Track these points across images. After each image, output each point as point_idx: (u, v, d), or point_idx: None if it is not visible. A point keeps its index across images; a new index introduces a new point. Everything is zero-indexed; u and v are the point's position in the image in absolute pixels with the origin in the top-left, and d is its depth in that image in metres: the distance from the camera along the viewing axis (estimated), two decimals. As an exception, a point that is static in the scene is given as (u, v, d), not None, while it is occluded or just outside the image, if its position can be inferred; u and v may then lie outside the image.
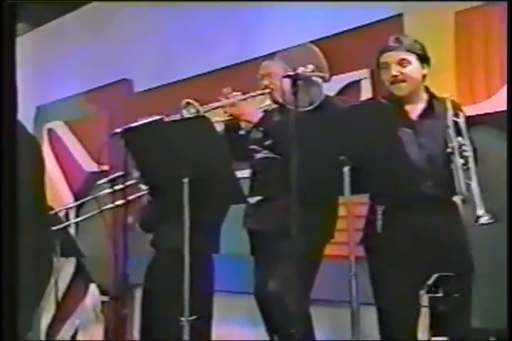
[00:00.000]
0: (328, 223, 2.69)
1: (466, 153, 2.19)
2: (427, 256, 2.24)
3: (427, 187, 2.28)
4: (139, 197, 3.21)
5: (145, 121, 2.60)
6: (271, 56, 2.90)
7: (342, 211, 2.90)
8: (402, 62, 2.35)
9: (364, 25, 3.58)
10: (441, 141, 2.28)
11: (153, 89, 4.98)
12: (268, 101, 2.74)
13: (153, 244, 3.24)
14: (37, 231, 1.38)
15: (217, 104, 2.57)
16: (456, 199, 2.29)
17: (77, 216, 5.06)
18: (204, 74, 4.61)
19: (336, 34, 3.64)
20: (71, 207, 5.15)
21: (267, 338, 2.70)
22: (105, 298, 4.51)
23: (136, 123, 2.57)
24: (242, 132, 2.77)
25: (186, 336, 2.20)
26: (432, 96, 2.44)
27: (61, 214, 5.07)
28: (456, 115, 2.31)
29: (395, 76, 2.35)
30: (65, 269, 5.30)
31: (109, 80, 5.26)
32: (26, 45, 4.52)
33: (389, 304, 2.30)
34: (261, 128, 2.62)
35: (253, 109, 2.62)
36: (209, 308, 3.05)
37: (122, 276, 2.78)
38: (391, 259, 2.29)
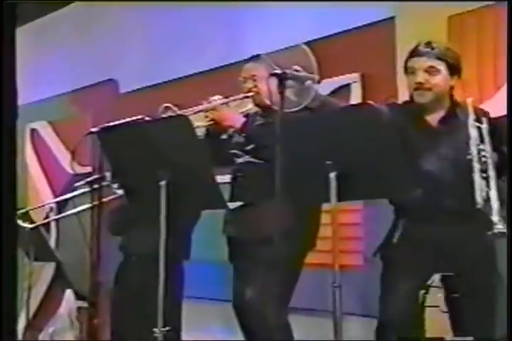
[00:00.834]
0: (310, 231, 2.61)
1: (485, 159, 2.07)
2: (444, 267, 2.17)
3: (447, 198, 2.20)
4: (113, 199, 3.13)
5: (122, 121, 2.54)
6: (254, 58, 2.78)
7: (326, 219, 2.94)
8: (430, 70, 2.25)
9: (354, 28, 3.50)
10: (464, 149, 2.15)
11: (139, 90, 4.89)
12: (250, 105, 2.67)
13: (122, 249, 3.17)
14: None
15: (198, 108, 2.49)
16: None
17: (57, 219, 4.94)
18: (191, 75, 4.54)
19: (326, 37, 3.57)
20: (52, 209, 5.04)
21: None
22: (82, 304, 4.37)
23: (112, 123, 2.50)
24: (223, 136, 2.70)
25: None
26: (454, 104, 2.33)
27: (41, 216, 4.96)
28: (478, 120, 2.18)
29: (421, 83, 2.25)
30: (44, 274, 5.17)
31: (95, 80, 5.15)
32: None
33: (394, 314, 2.24)
34: (243, 134, 2.55)
35: (235, 113, 2.56)
36: (179, 318, 2.97)
37: (95, 281, 2.67)
38: (405, 270, 2.24)
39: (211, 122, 2.55)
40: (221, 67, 4.28)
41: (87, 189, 3.12)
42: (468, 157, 2.09)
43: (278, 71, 2.04)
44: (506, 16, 2.89)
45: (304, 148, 2.00)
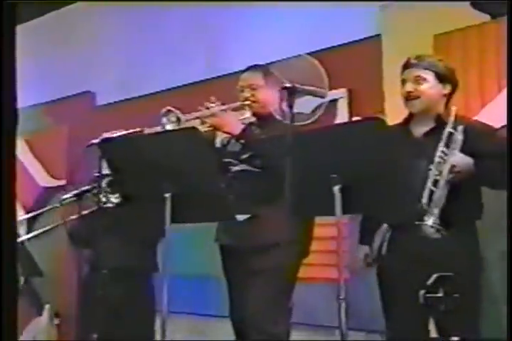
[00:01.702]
0: (308, 239, 2.60)
1: (443, 163, 2.21)
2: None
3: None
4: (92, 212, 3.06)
5: (125, 132, 2.55)
6: (252, 67, 2.78)
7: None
8: (417, 79, 2.36)
9: (341, 45, 3.53)
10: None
11: (116, 103, 4.83)
12: (248, 114, 2.66)
13: (90, 262, 3.11)
14: None
15: (198, 113, 2.49)
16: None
17: (28, 232, 4.80)
18: (169, 89, 4.52)
19: (313, 52, 3.58)
20: (21, 223, 4.90)
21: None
22: (56, 321, 4.25)
23: (116, 134, 2.52)
24: (217, 145, 2.68)
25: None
26: (445, 114, 2.39)
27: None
28: (454, 127, 2.28)
29: (409, 92, 2.36)
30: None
31: (71, 92, 5.06)
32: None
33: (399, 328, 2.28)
34: (241, 141, 2.54)
35: (235, 120, 2.55)
36: (152, 333, 2.93)
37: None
38: (396, 281, 2.29)
39: (209, 128, 2.53)
40: (202, 81, 4.28)
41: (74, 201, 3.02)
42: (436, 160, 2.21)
43: (288, 84, 2.05)
44: (494, 36, 2.97)
45: (309, 160, 2.01)
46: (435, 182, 2.22)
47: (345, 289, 1.88)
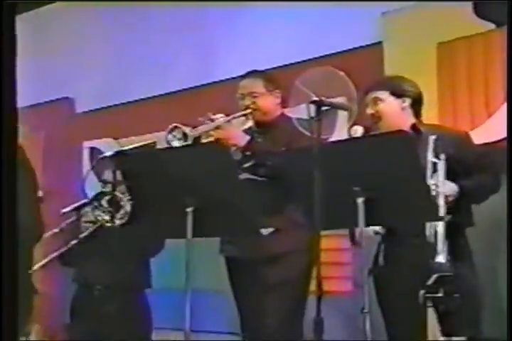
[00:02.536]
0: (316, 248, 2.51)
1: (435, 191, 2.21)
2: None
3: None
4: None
5: (139, 144, 2.54)
6: (251, 74, 2.71)
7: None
8: (375, 101, 2.45)
9: (340, 52, 3.47)
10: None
11: (97, 111, 4.66)
12: (250, 123, 2.63)
13: (79, 280, 3.08)
14: None
15: (205, 127, 2.45)
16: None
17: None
18: (150, 98, 4.41)
19: (311, 59, 3.53)
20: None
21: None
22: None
23: (131, 146, 2.50)
24: None
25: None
26: (413, 126, 2.42)
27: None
28: (436, 155, 2.28)
29: (371, 115, 2.44)
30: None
31: (48, 98, 4.84)
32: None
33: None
34: (248, 152, 2.50)
35: (240, 132, 2.53)
36: None
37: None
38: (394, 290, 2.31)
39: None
40: (184, 90, 4.21)
41: (75, 215, 2.98)
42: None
43: (316, 98, 2.05)
44: (500, 44, 2.92)
45: (332, 173, 2.00)
46: None
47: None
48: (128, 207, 2.80)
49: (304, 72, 2.51)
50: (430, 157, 2.28)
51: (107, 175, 2.86)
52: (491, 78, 3.03)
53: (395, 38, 3.31)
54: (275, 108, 2.65)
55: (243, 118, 2.62)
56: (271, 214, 2.40)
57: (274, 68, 3.39)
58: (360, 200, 1.95)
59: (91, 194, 3.31)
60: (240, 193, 2.09)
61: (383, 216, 2.00)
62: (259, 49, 3.78)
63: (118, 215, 2.80)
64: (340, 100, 2.43)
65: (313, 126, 1.99)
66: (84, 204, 2.94)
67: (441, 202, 2.19)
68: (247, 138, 2.50)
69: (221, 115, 2.50)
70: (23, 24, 5.15)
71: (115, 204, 2.77)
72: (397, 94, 2.44)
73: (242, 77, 2.71)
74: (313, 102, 2.03)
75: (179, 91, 4.25)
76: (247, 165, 2.53)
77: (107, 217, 2.86)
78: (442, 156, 2.30)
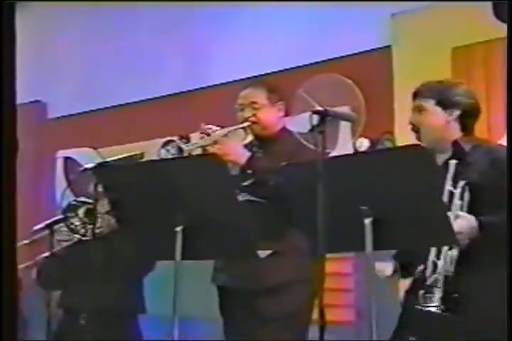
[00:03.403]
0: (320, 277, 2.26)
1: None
2: None
3: None
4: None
5: (124, 155, 2.36)
6: (253, 84, 2.51)
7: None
8: (418, 109, 2.17)
9: (344, 56, 3.28)
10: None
11: (71, 117, 4.41)
12: (250, 137, 2.42)
13: (65, 306, 2.90)
14: None
15: (201, 141, 2.31)
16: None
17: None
18: (132, 103, 4.17)
19: (312, 63, 3.32)
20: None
21: None
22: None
23: (113, 158, 2.33)
24: None
25: None
26: (455, 143, 2.15)
27: None
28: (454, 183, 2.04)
29: (411, 124, 2.17)
30: None
31: (17, 100, 4.50)
32: None
33: None
34: (249, 171, 2.29)
35: (240, 147, 2.33)
36: None
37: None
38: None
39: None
40: (162, 97, 4.00)
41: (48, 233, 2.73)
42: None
43: (320, 108, 1.88)
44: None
45: (338, 190, 1.85)
46: (438, 253, 2.00)
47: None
48: (106, 221, 2.65)
49: (308, 80, 2.26)
50: (448, 185, 2.02)
51: (91, 188, 2.59)
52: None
53: (405, 41, 3.09)
54: (277, 122, 2.41)
55: (241, 131, 2.40)
56: (270, 238, 2.20)
57: (273, 73, 3.16)
58: (367, 221, 1.81)
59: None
60: (237, 213, 1.92)
61: (393, 239, 1.85)
62: (257, 53, 3.59)
63: (95, 228, 2.57)
64: (344, 110, 2.23)
65: (316, 139, 1.83)
66: (57, 222, 2.71)
67: None
68: (248, 154, 2.29)
69: (216, 128, 2.30)
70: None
71: (93, 216, 2.56)
72: (444, 104, 2.14)
73: (245, 87, 2.48)
74: (317, 112, 1.87)
75: (167, 95, 4.03)
76: (246, 183, 2.32)
77: (82, 230, 2.68)
78: (461, 184, 2.02)
